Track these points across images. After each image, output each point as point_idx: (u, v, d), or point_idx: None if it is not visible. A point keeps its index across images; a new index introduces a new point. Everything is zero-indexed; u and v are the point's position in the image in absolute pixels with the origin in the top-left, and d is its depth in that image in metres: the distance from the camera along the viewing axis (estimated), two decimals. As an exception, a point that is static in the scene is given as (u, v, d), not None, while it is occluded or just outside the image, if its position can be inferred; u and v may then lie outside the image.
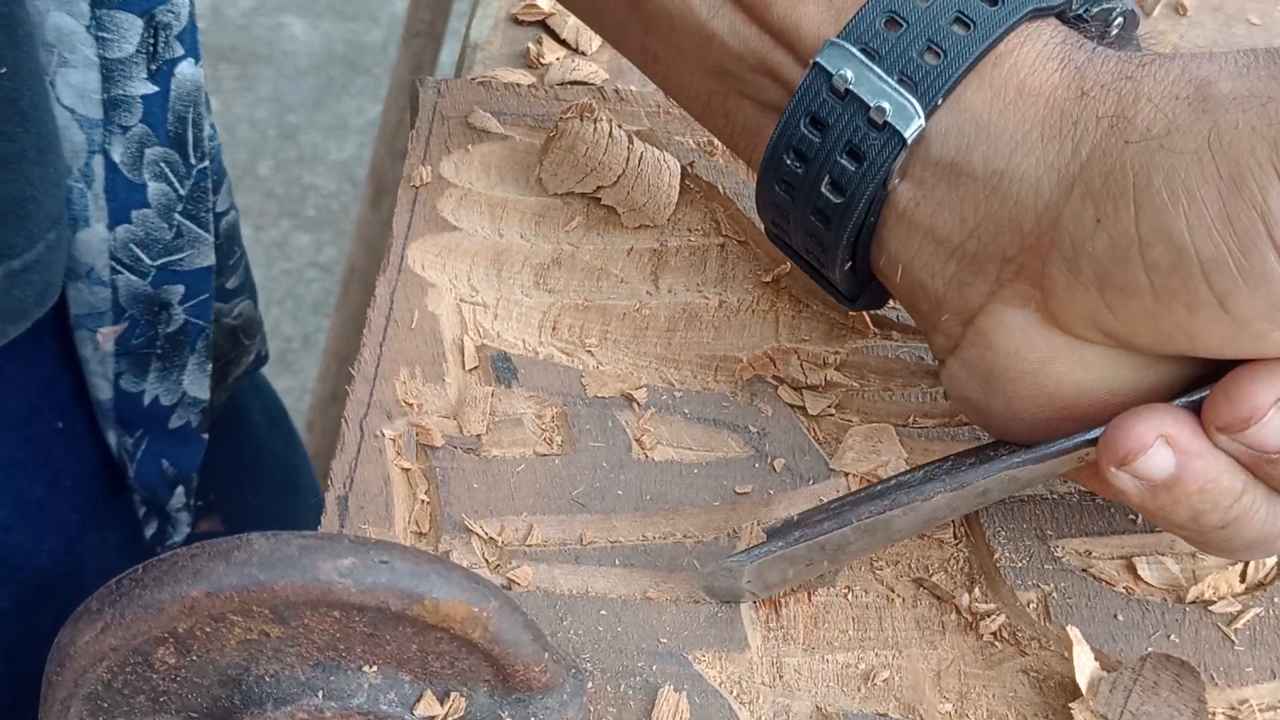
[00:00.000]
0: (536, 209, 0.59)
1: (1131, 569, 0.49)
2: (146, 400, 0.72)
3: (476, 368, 0.53)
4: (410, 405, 0.52)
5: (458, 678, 0.43)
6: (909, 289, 0.48)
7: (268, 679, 0.42)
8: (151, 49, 0.63)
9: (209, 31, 2.42)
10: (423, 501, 0.50)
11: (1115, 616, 0.48)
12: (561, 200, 0.59)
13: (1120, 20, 0.49)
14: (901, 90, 0.45)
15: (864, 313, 0.55)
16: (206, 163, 0.68)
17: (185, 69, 0.64)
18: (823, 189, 0.47)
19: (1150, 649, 0.47)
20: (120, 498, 0.76)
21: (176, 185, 0.66)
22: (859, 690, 0.47)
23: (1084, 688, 0.45)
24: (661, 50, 0.52)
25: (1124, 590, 0.49)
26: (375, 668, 0.42)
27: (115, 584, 0.40)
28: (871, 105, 0.46)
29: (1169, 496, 0.43)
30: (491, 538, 0.49)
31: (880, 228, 0.47)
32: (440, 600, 0.40)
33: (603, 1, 0.55)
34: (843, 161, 0.47)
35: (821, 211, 0.48)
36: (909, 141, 0.45)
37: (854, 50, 0.46)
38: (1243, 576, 0.49)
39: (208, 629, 0.40)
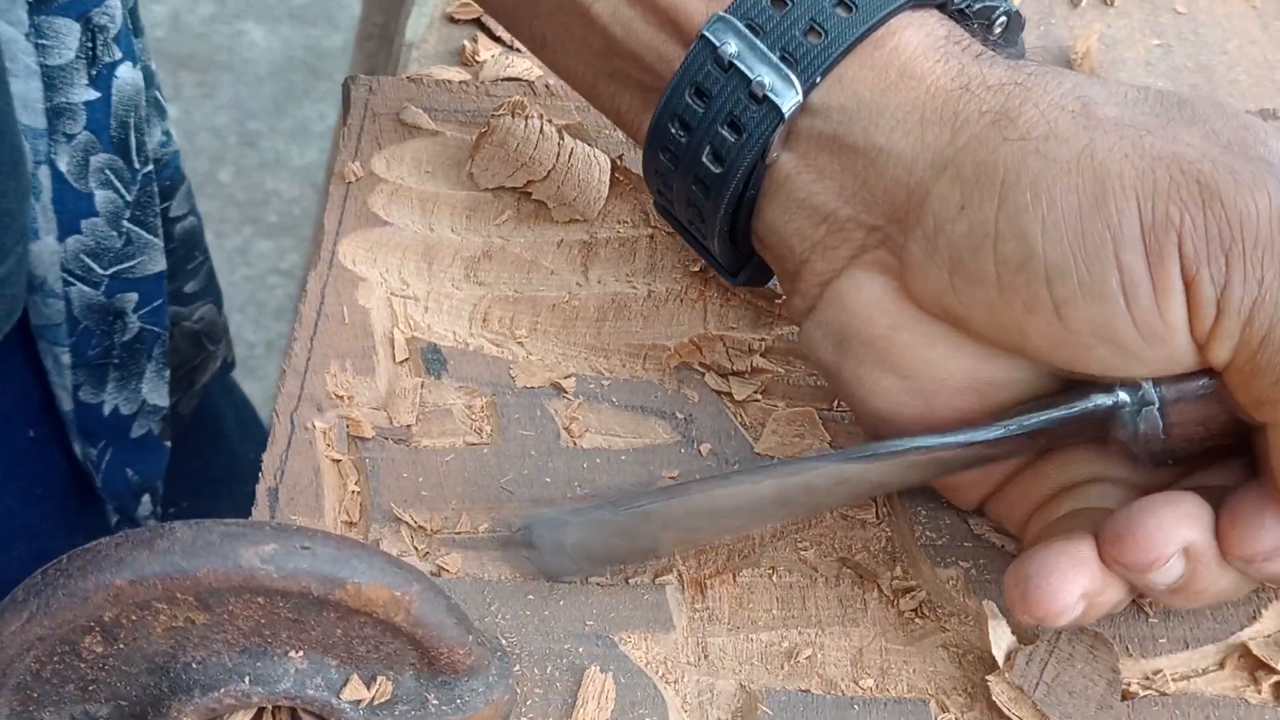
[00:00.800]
0: (467, 203, 0.59)
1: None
2: (106, 410, 0.72)
3: (407, 360, 0.54)
4: (341, 398, 0.53)
5: (383, 661, 0.43)
6: (777, 252, 0.49)
7: (195, 666, 0.42)
8: (91, 53, 0.63)
9: (168, 39, 2.42)
10: (353, 492, 0.51)
11: (1033, 591, 0.49)
12: (492, 195, 0.60)
13: (1003, 20, 0.50)
14: (782, 66, 0.46)
15: (790, 300, 0.56)
16: (150, 167, 0.68)
17: (125, 73, 0.65)
18: (703, 159, 0.48)
19: (1066, 622, 0.48)
20: (89, 506, 0.77)
21: (123, 191, 0.66)
22: (782, 668, 0.47)
23: (1000, 660, 0.46)
24: (549, 33, 0.53)
25: (1042, 566, 0.49)
26: (301, 653, 0.43)
27: (41, 574, 0.41)
28: (753, 79, 0.47)
29: None
30: (421, 526, 0.50)
31: (760, 198, 0.49)
32: (362, 585, 0.41)
33: None
34: (723, 132, 0.48)
35: (701, 181, 0.49)
36: (786, 116, 0.46)
37: (739, 25, 0.47)
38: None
39: (133, 617, 0.41)
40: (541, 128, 0.60)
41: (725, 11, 0.48)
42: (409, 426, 0.52)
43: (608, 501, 0.47)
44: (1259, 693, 0.46)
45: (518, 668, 0.47)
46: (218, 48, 2.45)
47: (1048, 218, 0.42)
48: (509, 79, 0.65)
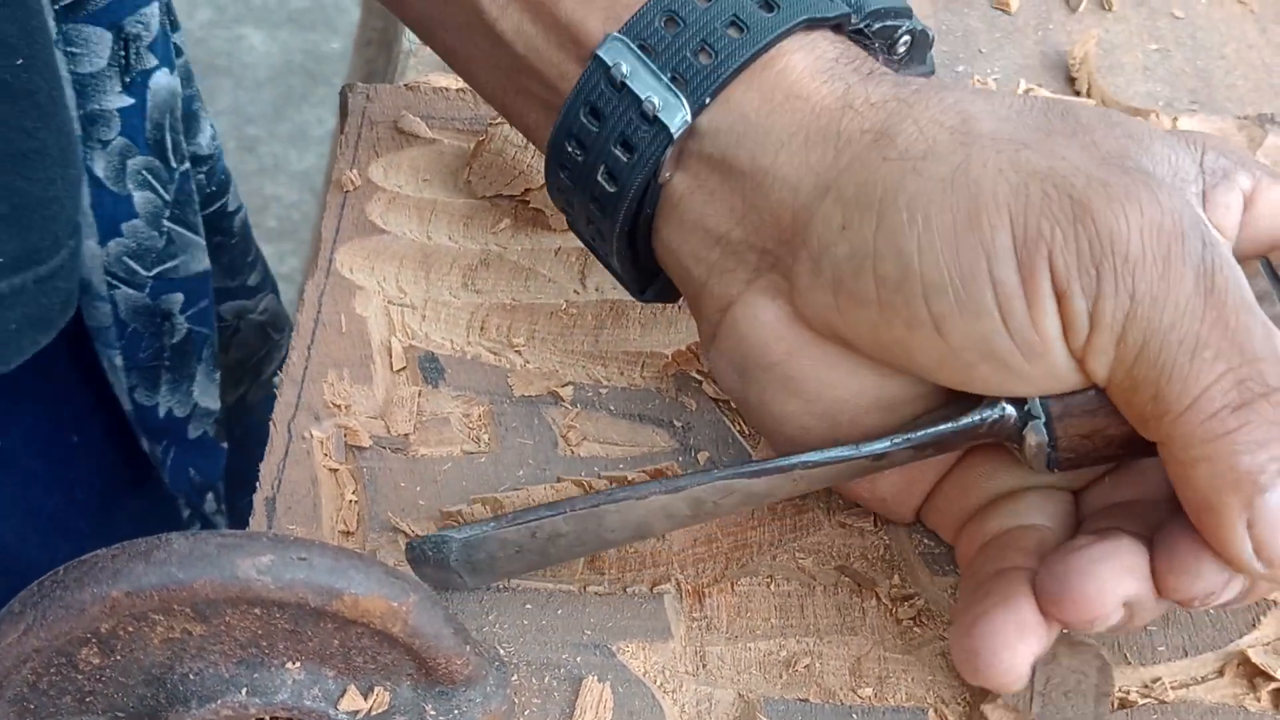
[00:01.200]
0: (465, 211, 0.59)
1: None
2: (161, 413, 0.72)
3: (404, 368, 0.54)
4: (338, 407, 0.53)
5: (381, 672, 0.43)
6: (678, 275, 0.49)
7: (192, 677, 0.42)
8: (124, 62, 0.63)
9: (167, 44, 2.41)
10: (350, 501, 0.51)
11: (1032, 599, 0.49)
12: (490, 202, 0.60)
13: (908, 39, 0.50)
14: (672, 87, 0.46)
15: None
16: (187, 165, 0.68)
17: (160, 79, 0.65)
18: (598, 178, 0.48)
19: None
20: (130, 507, 0.77)
21: (162, 191, 0.66)
22: (780, 677, 0.47)
23: (998, 669, 0.46)
24: (459, 47, 0.53)
25: (1040, 573, 0.49)
26: (298, 664, 0.43)
27: (37, 585, 0.41)
28: (643, 99, 0.47)
29: None
30: (418, 535, 0.50)
31: (656, 217, 0.49)
32: (359, 595, 0.41)
33: None
34: (616, 152, 0.48)
35: (597, 199, 0.49)
36: (674, 137, 0.46)
37: (632, 45, 0.47)
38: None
39: (130, 628, 0.41)
40: (539, 135, 0.60)
41: (620, 32, 0.47)
42: (406, 435, 0.52)
43: (491, 519, 0.47)
44: (1258, 700, 0.46)
45: (515, 677, 0.47)
46: (216, 53, 2.46)
47: (923, 236, 0.42)
48: (506, 86, 0.65)
